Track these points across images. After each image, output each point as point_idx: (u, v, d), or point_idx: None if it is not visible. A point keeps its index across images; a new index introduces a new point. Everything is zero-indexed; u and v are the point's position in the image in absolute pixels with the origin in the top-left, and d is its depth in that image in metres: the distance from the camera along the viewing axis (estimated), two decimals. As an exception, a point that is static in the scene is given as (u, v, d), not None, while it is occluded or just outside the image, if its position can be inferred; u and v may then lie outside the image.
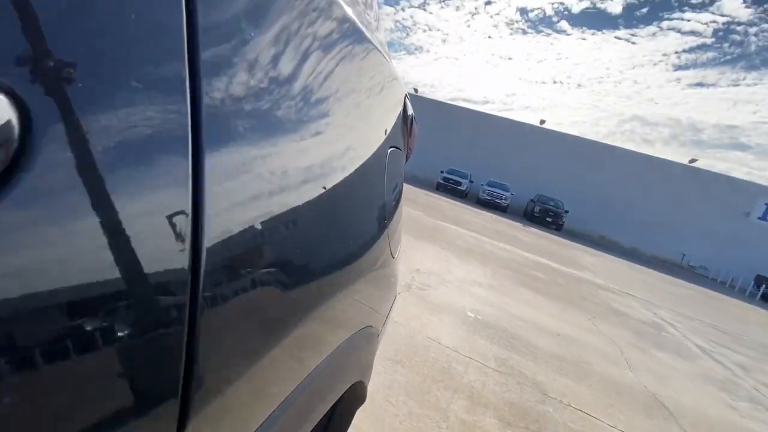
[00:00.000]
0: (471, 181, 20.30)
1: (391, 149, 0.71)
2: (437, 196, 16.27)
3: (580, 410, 2.43)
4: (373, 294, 0.68)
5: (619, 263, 13.15)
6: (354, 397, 0.74)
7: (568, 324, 4.15)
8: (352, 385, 0.67)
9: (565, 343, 3.53)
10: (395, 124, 0.77)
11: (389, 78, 0.74)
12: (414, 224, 7.25)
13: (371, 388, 1.98)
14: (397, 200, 0.84)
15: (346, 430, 0.81)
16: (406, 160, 1.12)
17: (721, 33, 76.51)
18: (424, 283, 3.95)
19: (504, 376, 2.56)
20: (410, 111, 0.94)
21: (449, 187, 19.25)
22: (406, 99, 0.91)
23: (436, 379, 2.27)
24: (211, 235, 0.28)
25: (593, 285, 7.12)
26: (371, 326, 0.71)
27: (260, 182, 0.34)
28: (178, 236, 0.25)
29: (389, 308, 0.88)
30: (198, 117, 0.27)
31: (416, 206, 10.21)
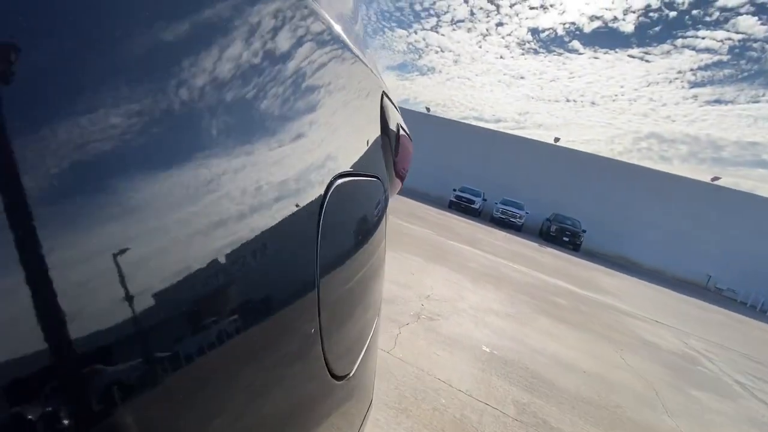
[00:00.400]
0: (484, 199, 19.94)
1: (342, 181, 0.42)
2: (449, 214, 15.95)
3: (617, 471, 2.08)
4: None
5: (641, 286, 12.52)
6: None
7: (594, 358, 3.77)
8: None
9: (592, 383, 3.17)
10: (365, 144, 0.52)
11: (370, 88, 0.53)
12: (425, 245, 6.97)
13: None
14: (344, 273, 0.46)
15: None
16: (402, 180, 0.86)
17: (737, 50, 74.68)
18: (434, 312, 3.65)
19: (525, 427, 2.23)
20: (394, 123, 0.68)
21: (462, 206, 18.90)
22: (387, 105, 0.65)
23: (446, 433, 1.96)
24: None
25: (618, 311, 6.66)
26: None
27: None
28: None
29: None
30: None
31: (427, 225, 9.93)
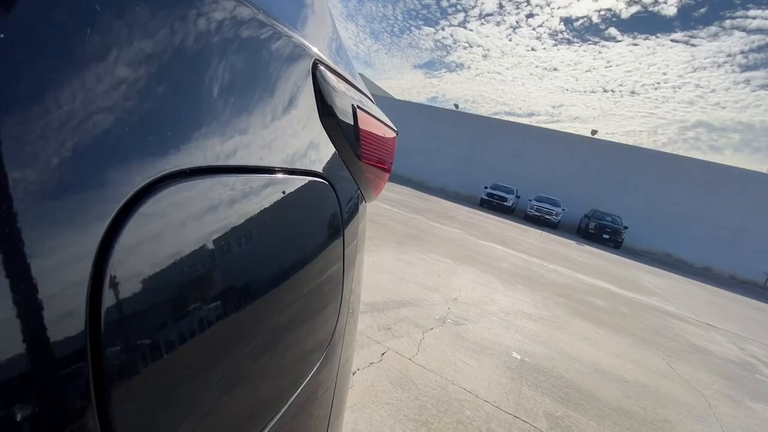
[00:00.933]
0: (518, 197, 19.40)
1: (189, 184, 0.27)
2: (481, 213, 15.57)
3: (664, 497, 1.87)
4: None
5: (690, 285, 11.69)
6: None
7: (637, 366, 3.49)
8: None
9: (635, 393, 2.91)
10: (277, 132, 0.39)
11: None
12: (453, 245, 6.78)
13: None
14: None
15: None
16: (386, 172, 0.74)
17: None
18: (461, 316, 3.49)
19: (559, 443, 2.05)
20: (344, 103, 0.53)
21: (494, 203, 18.46)
22: (329, 80, 0.50)
23: (470, 449, 1.82)
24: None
25: (663, 313, 6.20)
26: None
27: None
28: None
29: None
30: None
31: (457, 224, 9.70)
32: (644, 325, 5.07)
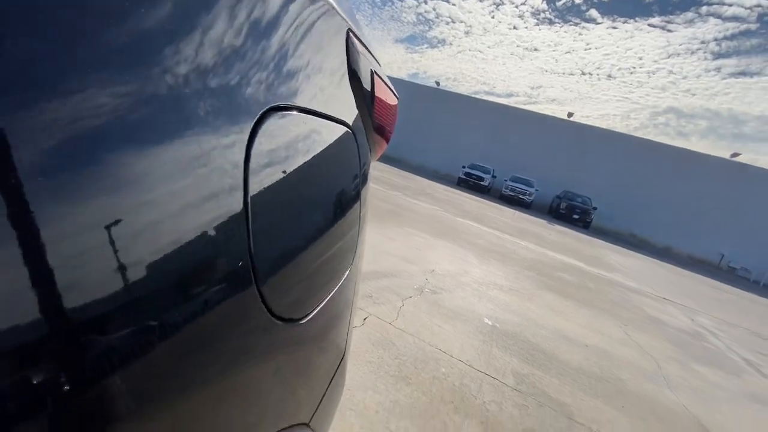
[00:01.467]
0: (494, 176, 19.77)
1: (282, 115, 0.40)
2: (458, 191, 15.84)
3: (613, 440, 2.11)
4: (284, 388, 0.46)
5: (651, 264, 12.41)
6: None
7: (598, 333, 3.78)
8: None
9: (594, 356, 3.18)
10: (319, 85, 0.47)
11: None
12: (431, 221, 6.95)
13: (369, 413, 1.74)
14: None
15: None
16: (386, 140, 0.82)
17: (766, 18, 69.13)
18: (437, 286, 3.66)
19: (524, 397, 2.26)
20: (366, 69, 0.60)
21: (471, 183, 18.78)
22: (356, 46, 0.57)
23: (445, 400, 1.99)
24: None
25: (625, 288, 6.63)
26: (304, 424, 0.50)
27: None
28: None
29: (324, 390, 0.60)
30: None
31: (435, 202, 9.88)
32: (607, 298, 5.43)
